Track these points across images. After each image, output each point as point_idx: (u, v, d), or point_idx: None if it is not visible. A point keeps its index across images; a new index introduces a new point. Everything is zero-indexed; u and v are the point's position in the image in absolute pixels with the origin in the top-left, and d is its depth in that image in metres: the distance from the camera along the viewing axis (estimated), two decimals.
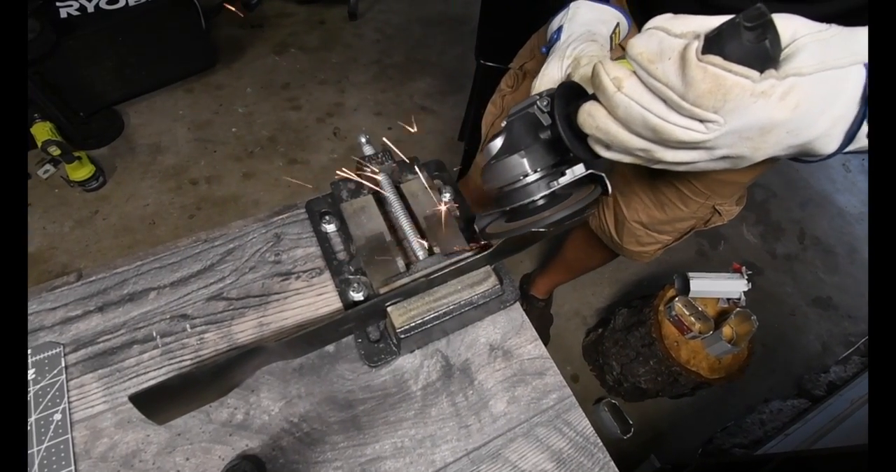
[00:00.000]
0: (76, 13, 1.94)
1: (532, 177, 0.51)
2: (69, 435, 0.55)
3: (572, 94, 0.51)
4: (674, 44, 0.36)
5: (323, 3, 2.85)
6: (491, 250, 0.58)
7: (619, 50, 0.74)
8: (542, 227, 0.49)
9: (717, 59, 0.33)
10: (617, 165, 0.51)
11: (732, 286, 1.50)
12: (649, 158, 0.43)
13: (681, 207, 0.98)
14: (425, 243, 0.62)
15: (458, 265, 0.59)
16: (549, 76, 0.59)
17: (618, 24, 0.69)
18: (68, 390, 0.58)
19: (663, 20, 0.38)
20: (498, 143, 0.53)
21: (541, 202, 0.51)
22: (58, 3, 1.93)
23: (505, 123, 0.54)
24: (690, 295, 1.50)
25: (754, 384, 1.94)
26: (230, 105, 2.39)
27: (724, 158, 0.41)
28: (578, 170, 0.49)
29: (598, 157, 0.47)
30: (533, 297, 1.91)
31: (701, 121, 0.37)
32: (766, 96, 0.34)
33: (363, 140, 0.69)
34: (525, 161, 0.50)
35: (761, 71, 0.34)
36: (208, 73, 2.47)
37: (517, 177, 0.51)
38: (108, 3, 1.98)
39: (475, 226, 0.60)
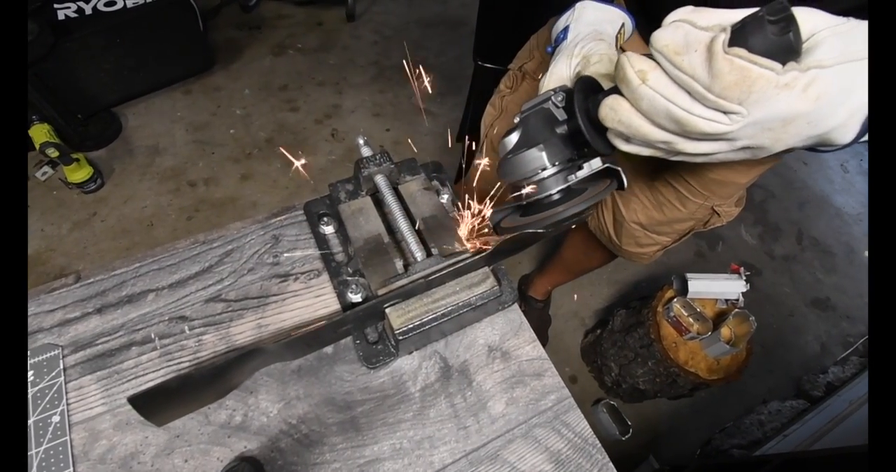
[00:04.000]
0: (74, 15, 1.94)
1: (550, 171, 0.51)
2: (68, 437, 0.55)
3: (590, 88, 0.51)
4: (700, 36, 0.37)
5: (321, 4, 2.86)
6: (489, 250, 0.58)
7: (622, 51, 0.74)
8: (558, 221, 0.50)
9: (743, 52, 0.34)
10: (619, 163, 0.52)
11: (731, 287, 1.50)
12: (670, 150, 0.44)
13: (679, 207, 0.98)
14: (423, 245, 0.62)
15: (457, 266, 0.59)
16: (558, 74, 0.60)
17: (623, 25, 0.69)
18: (67, 392, 0.58)
19: (687, 13, 0.39)
20: (514, 137, 0.54)
21: (556, 196, 0.52)
22: (56, 5, 1.93)
23: (518, 118, 0.54)
24: (689, 296, 1.50)
25: (753, 385, 1.94)
26: (228, 107, 2.39)
27: (744, 148, 0.42)
28: (596, 164, 0.50)
29: (615, 150, 0.48)
30: (531, 298, 1.91)
31: (725, 112, 0.37)
32: (790, 88, 0.35)
33: (361, 141, 0.69)
34: (544, 154, 0.51)
35: (784, 63, 0.35)
36: (206, 74, 2.47)
37: (535, 171, 0.52)
38: (105, 5, 1.98)
39: (489, 221, 0.60)
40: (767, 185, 2.55)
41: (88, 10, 1.96)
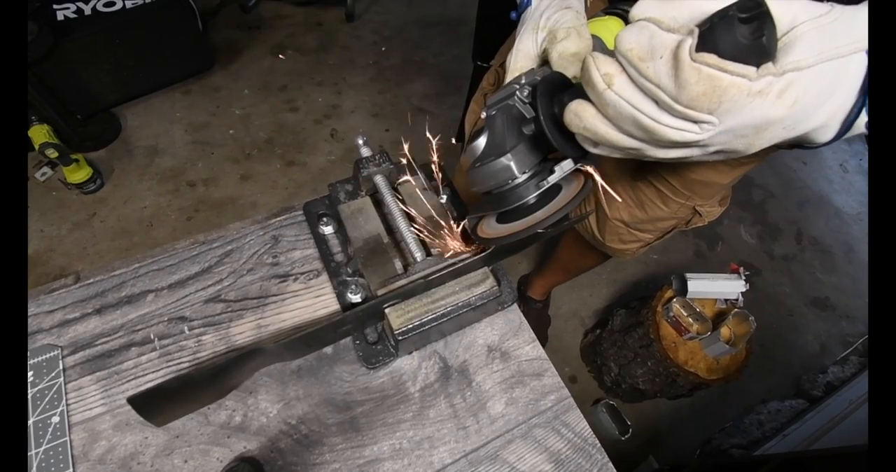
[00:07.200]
0: (73, 15, 1.94)
1: (520, 179, 0.49)
2: (67, 438, 0.55)
3: (555, 87, 0.48)
4: (666, 40, 0.33)
5: (320, 4, 2.86)
6: (489, 251, 0.58)
7: (593, 8, 0.68)
8: (539, 229, 0.49)
9: (712, 59, 0.31)
10: (601, 162, 0.50)
11: (730, 287, 1.50)
12: (639, 155, 0.42)
13: (661, 206, 0.98)
14: (422, 245, 0.62)
15: (456, 267, 0.59)
16: (525, 51, 0.56)
17: None
18: (66, 393, 0.58)
19: (653, 7, 0.36)
20: (481, 143, 0.51)
21: (532, 201, 0.50)
22: (55, 6, 1.93)
23: (485, 114, 0.52)
24: (688, 296, 1.50)
25: (752, 385, 1.94)
26: (227, 107, 2.39)
27: (717, 152, 0.40)
28: (567, 165, 0.48)
29: (586, 153, 0.46)
30: (531, 298, 1.91)
31: (695, 121, 0.35)
32: (763, 95, 0.33)
33: (360, 142, 0.69)
34: (512, 164, 0.48)
35: (758, 65, 0.32)
36: (205, 75, 2.47)
37: (505, 181, 0.49)
38: (104, 6, 1.98)
39: (466, 228, 0.59)
40: (767, 184, 2.55)
41: (88, 10, 1.96)
